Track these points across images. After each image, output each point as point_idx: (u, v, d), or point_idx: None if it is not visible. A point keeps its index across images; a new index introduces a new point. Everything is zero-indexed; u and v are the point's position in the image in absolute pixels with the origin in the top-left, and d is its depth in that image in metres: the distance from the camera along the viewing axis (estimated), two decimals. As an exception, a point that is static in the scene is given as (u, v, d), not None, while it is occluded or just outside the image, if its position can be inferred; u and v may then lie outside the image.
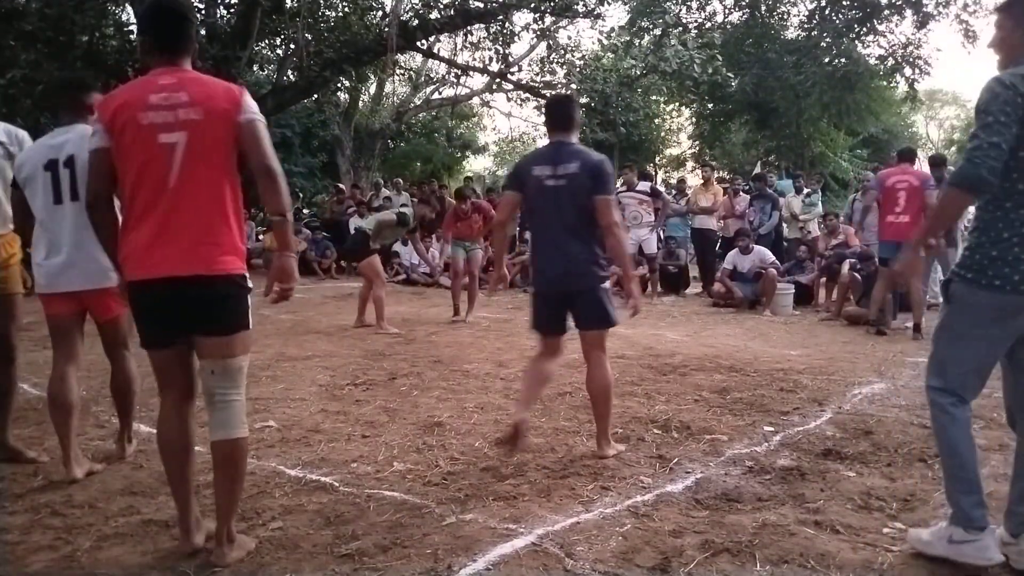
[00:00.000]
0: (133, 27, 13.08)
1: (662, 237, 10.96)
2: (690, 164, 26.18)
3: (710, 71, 16.50)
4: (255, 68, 17.87)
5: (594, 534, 2.67)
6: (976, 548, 2.38)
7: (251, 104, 2.43)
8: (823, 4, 19.58)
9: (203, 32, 13.14)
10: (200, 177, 2.36)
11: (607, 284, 3.60)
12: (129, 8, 13.59)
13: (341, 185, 16.46)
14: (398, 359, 5.85)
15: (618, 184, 9.59)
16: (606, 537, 2.64)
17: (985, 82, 2.35)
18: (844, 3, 19.00)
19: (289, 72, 16.42)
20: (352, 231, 8.44)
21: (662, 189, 11.68)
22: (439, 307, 8.33)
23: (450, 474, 3.29)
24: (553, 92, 17.46)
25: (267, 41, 15.92)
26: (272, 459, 3.49)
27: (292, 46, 15.10)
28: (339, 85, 16.87)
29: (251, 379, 5.08)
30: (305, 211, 18.78)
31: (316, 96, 16.48)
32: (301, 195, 19.52)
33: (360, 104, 20.58)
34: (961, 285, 2.43)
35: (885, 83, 20.89)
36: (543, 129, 20.11)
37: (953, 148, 38.26)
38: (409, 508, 2.90)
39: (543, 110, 3.99)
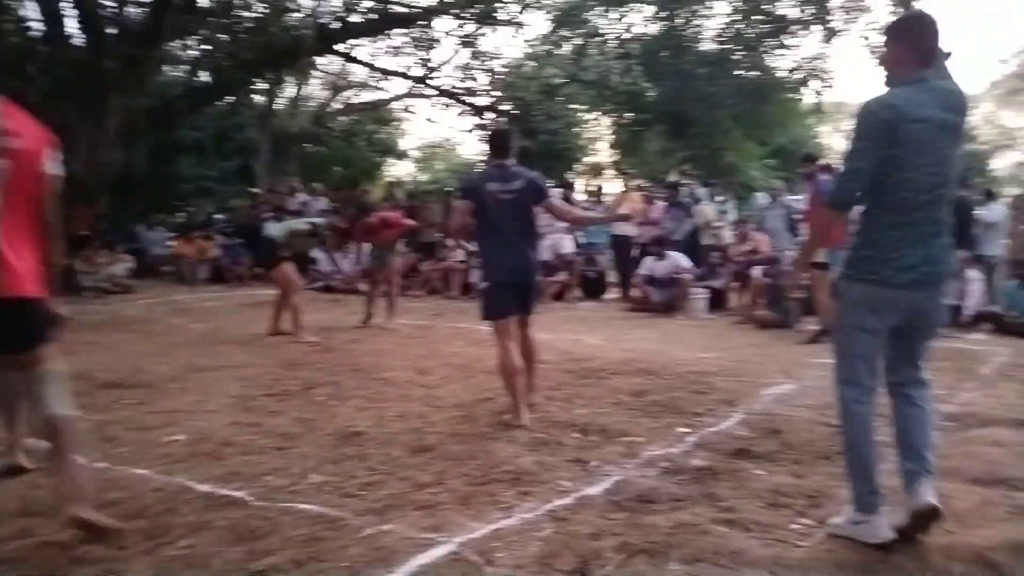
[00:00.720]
0: (34, 24, 12.46)
1: (579, 242, 11.16)
2: (609, 172, 26.58)
3: (628, 81, 16.83)
4: (167, 68, 17.24)
5: (514, 540, 2.67)
6: (869, 528, 2.66)
7: (57, 157, 2.69)
8: (736, 18, 20.27)
9: (113, 30, 12.60)
10: (17, 204, 2.53)
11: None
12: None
13: (257, 190, 16.04)
14: (315, 368, 5.73)
15: None
16: (525, 543, 2.65)
17: (858, 110, 2.67)
18: (756, 17, 19.72)
19: (203, 73, 15.92)
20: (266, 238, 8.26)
21: (578, 197, 11.89)
22: (359, 314, 8.21)
23: (368, 485, 3.23)
24: (474, 99, 17.55)
25: (181, 41, 15.38)
26: (180, 474, 3.36)
27: (207, 46, 14.64)
28: (255, 87, 16.47)
29: (158, 391, 4.92)
30: (218, 216, 18.22)
31: (231, 98, 16.04)
32: (214, 199, 18.94)
33: (277, 107, 20.10)
34: (844, 282, 2.76)
35: (794, 95, 21.75)
36: (466, 136, 20.06)
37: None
38: (325, 521, 2.84)
39: (488, 140, 4.91)
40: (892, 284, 2.62)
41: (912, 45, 2.64)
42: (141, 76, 12.77)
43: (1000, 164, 36.25)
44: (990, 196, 10.76)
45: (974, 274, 8.72)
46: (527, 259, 4.30)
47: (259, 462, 3.53)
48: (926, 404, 2.76)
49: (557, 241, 10.13)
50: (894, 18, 2.86)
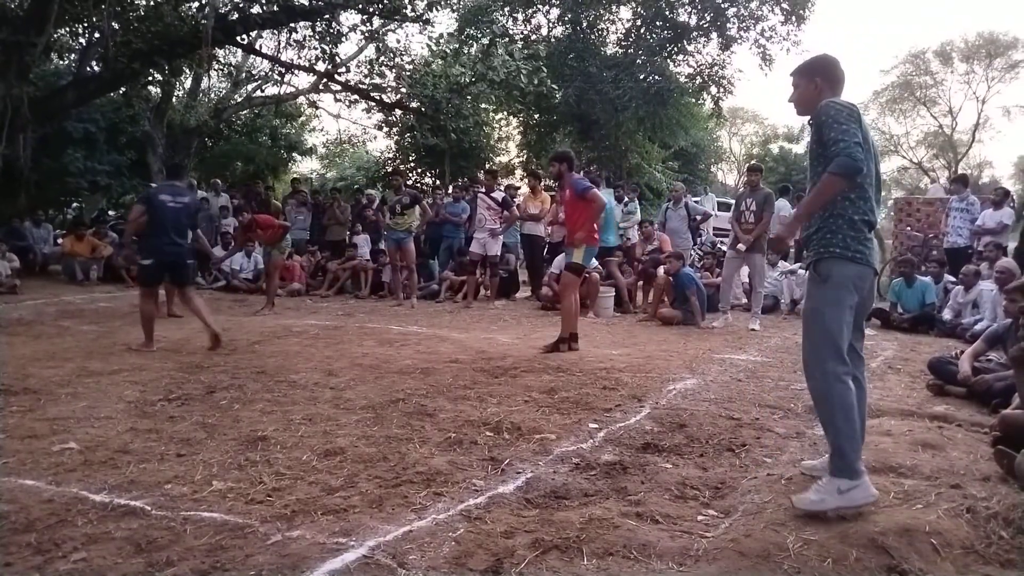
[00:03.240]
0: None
1: (509, 244, 11.29)
2: (519, 172, 26.79)
3: (536, 82, 16.98)
4: (54, 56, 16.25)
5: (427, 541, 2.65)
6: (861, 491, 2.81)
7: None
8: (638, 24, 20.80)
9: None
10: None
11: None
12: None
13: (153, 184, 15.33)
14: (217, 371, 5.53)
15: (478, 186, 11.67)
16: (439, 543, 2.63)
17: (820, 108, 2.91)
18: (657, 24, 20.28)
19: (93, 62, 15.09)
20: None
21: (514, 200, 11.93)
22: (264, 315, 7.97)
23: (275, 490, 3.14)
24: (382, 96, 17.29)
25: (68, 27, 14.53)
26: (73, 484, 3.18)
27: (97, 34, 13.88)
28: (150, 78, 15.73)
29: (48, 397, 4.64)
30: (111, 213, 17.33)
31: (124, 89, 15.27)
32: (106, 194, 17.99)
33: (174, 100, 19.24)
34: (831, 262, 2.89)
35: (693, 100, 22.50)
36: (373, 132, 19.79)
37: (753, 160, 41.86)
38: (230, 529, 2.74)
39: (167, 169, 7.10)
40: (869, 263, 2.91)
41: (829, 80, 3.04)
42: (23, 64, 12.01)
43: (884, 168, 38.79)
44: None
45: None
46: (181, 247, 6.57)
47: (158, 470, 3.38)
48: (866, 383, 3.07)
49: (486, 241, 10.17)
50: (804, 59, 3.21)
